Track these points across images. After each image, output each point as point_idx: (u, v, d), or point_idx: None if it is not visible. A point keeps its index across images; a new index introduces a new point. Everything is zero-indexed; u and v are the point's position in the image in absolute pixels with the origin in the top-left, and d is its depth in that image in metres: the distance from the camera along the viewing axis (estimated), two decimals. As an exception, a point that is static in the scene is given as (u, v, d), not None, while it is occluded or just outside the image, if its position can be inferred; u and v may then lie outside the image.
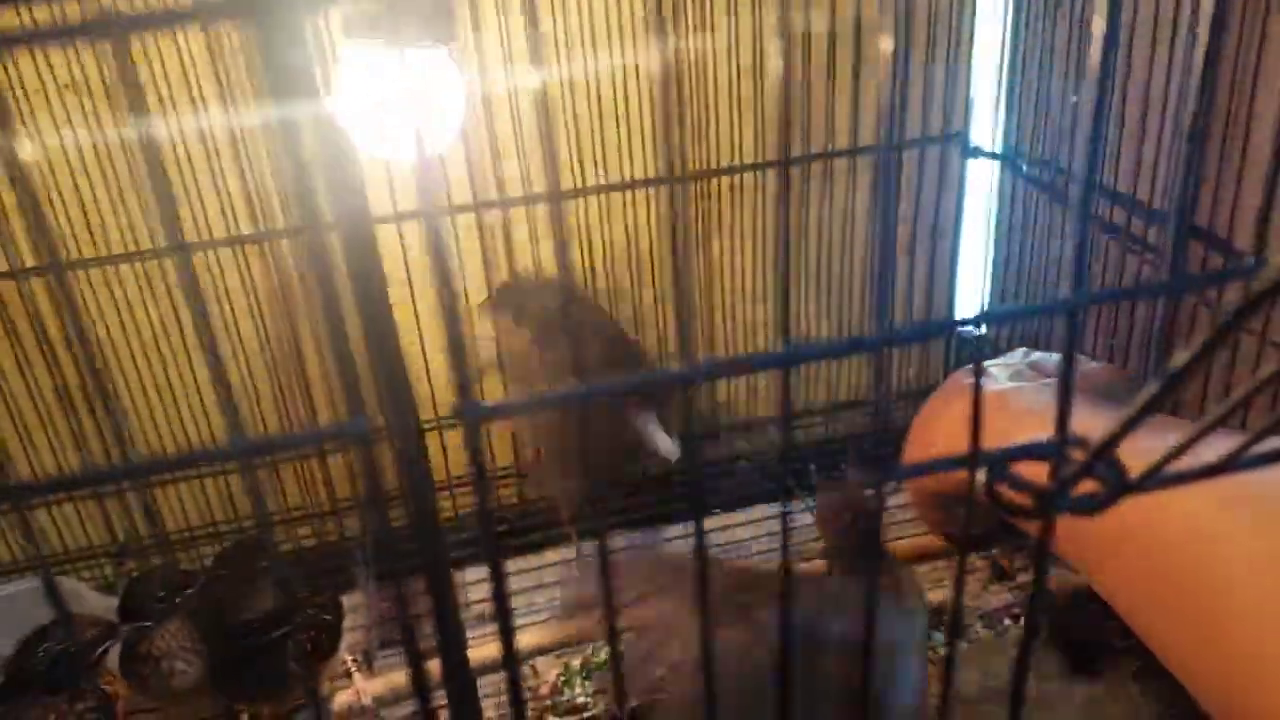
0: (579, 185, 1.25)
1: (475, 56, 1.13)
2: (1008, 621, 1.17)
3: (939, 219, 1.39)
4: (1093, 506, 0.30)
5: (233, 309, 1.23)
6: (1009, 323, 1.39)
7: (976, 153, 1.33)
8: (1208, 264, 0.99)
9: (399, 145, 0.91)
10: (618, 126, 1.23)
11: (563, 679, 1.10)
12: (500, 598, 0.34)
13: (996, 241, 1.36)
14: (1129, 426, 0.27)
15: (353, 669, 0.93)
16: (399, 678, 0.93)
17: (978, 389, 0.27)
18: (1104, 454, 0.28)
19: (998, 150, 1.32)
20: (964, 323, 0.28)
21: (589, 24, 1.17)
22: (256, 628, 0.80)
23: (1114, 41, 0.23)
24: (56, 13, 0.77)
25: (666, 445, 1.11)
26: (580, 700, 1.07)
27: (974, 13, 1.27)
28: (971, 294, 1.43)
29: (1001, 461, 0.29)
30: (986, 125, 1.32)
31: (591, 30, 1.17)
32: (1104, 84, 0.25)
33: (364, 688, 0.90)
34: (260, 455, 0.26)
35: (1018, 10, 1.23)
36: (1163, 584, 0.42)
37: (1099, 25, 0.24)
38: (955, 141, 1.35)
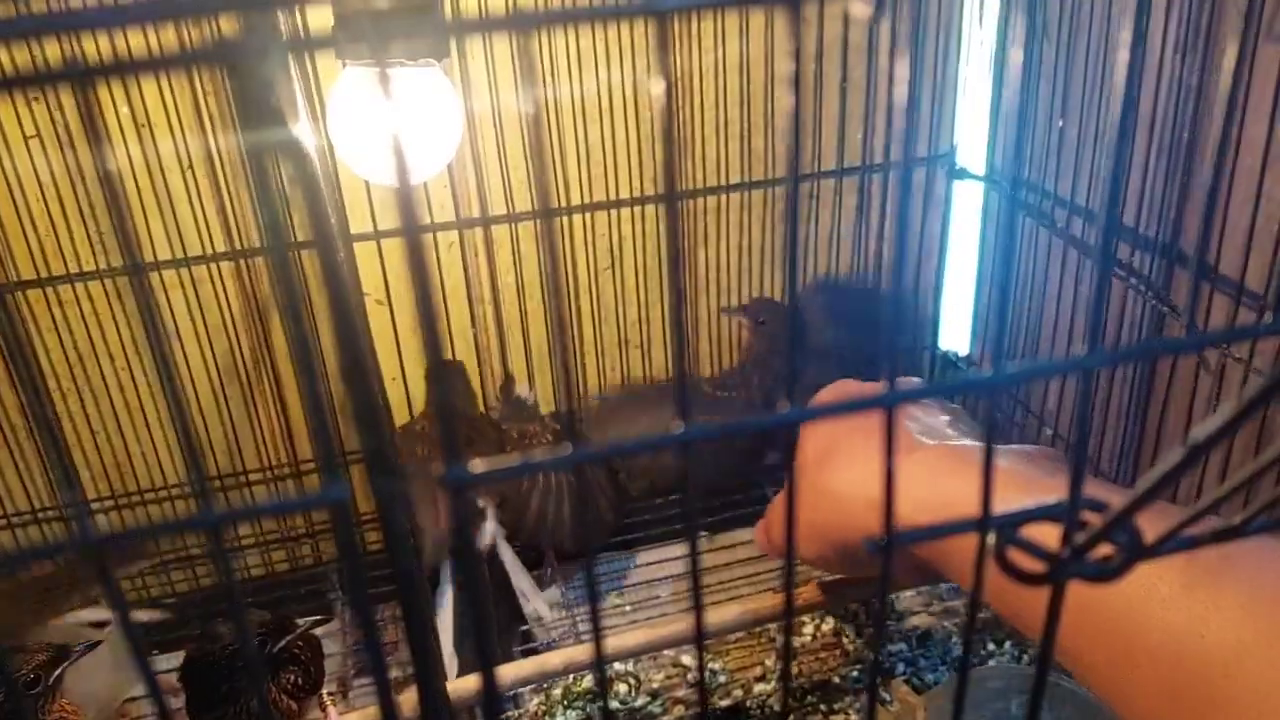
0: (565, 204, 1.23)
1: (460, 76, 1.11)
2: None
3: (925, 240, 1.39)
4: (1108, 573, 0.29)
5: (205, 328, 1.21)
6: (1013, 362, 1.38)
7: (962, 174, 1.33)
8: (1199, 292, 0.98)
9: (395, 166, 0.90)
10: (603, 147, 1.22)
11: (544, 709, 1.08)
12: (483, 636, 0.33)
13: (982, 262, 1.35)
14: (1153, 492, 0.26)
15: (328, 701, 0.91)
16: (374, 712, 0.91)
17: (989, 452, 0.25)
18: (1125, 519, 0.27)
19: (984, 173, 1.31)
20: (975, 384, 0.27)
21: (575, 47, 1.16)
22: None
23: (1131, 103, 0.22)
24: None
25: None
26: (561, 730, 1.05)
27: (960, 36, 1.26)
28: (959, 314, 1.42)
29: (1013, 524, 0.28)
30: (974, 148, 1.32)
31: (578, 52, 1.16)
32: (1121, 144, 0.24)
33: (338, 721, 0.88)
34: (229, 521, 0.24)
35: (1003, 34, 1.22)
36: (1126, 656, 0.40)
37: (1121, 71, 0.22)
38: (942, 163, 1.35)
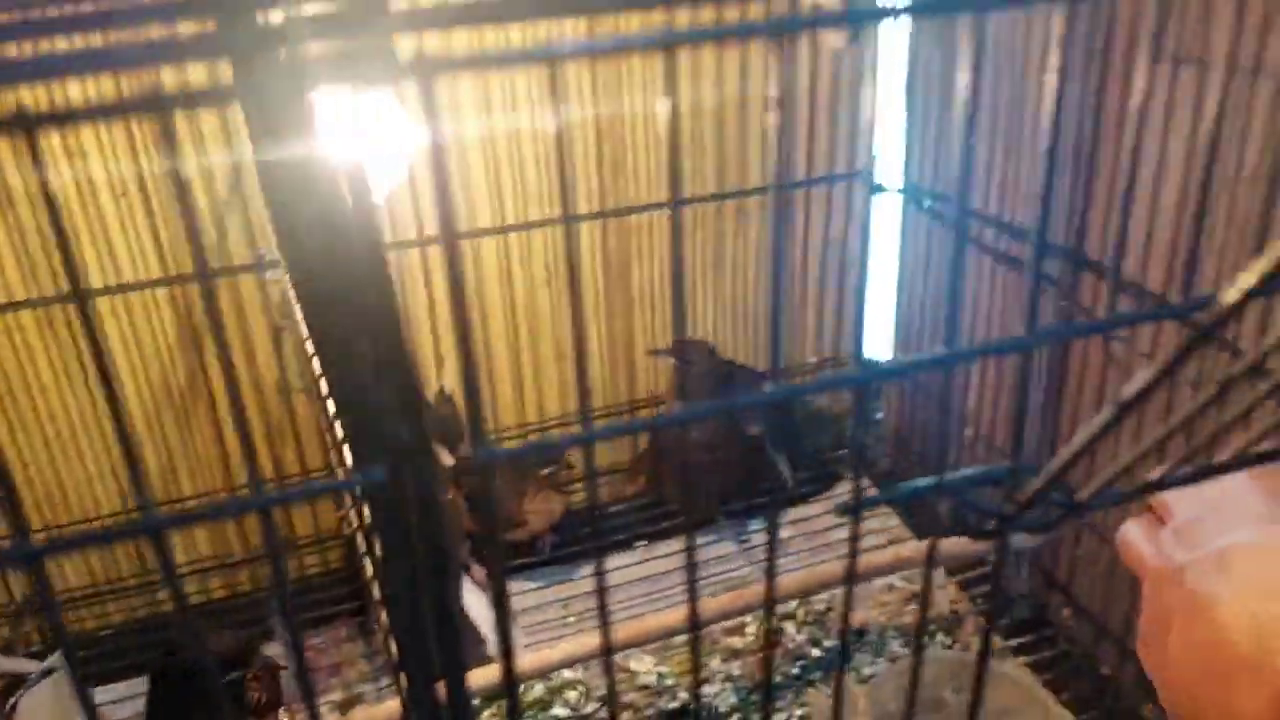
0: (502, 223, 1.26)
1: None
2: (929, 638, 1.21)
3: (847, 252, 1.44)
4: (1045, 524, 0.32)
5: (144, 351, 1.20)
6: (905, 369, 1.44)
7: (881, 189, 1.38)
8: (1098, 294, 1.05)
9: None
10: (537, 172, 1.25)
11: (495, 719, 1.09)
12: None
13: (900, 272, 1.41)
14: (1079, 454, 0.29)
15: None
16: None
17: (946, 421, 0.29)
18: (1056, 481, 0.30)
19: (901, 186, 1.37)
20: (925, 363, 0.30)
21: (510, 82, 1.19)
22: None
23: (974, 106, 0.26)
24: None
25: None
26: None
27: (876, 58, 1.32)
28: (882, 319, 1.48)
29: (964, 487, 0.31)
30: (892, 163, 1.38)
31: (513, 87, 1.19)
32: (967, 139, 0.27)
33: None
34: (171, 526, 0.26)
35: (914, 55, 1.29)
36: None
37: (964, 78, 0.26)
38: (861, 179, 1.40)
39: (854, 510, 0.31)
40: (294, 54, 0.24)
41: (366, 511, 0.57)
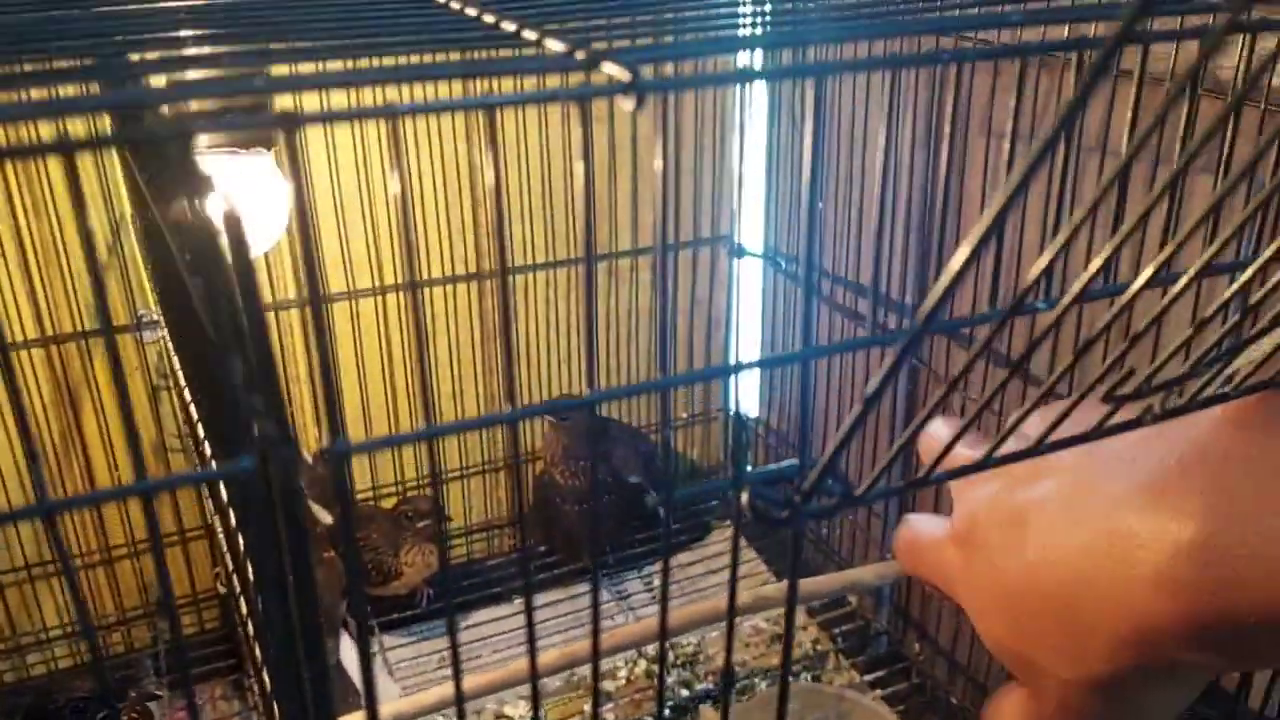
0: (380, 284, 1.30)
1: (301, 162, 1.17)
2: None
3: (714, 312, 1.53)
4: (827, 512, 0.39)
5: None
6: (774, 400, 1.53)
7: (743, 252, 1.47)
8: (943, 347, 1.15)
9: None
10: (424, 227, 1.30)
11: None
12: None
13: (763, 331, 1.50)
14: (841, 447, 0.36)
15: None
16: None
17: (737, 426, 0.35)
18: (828, 471, 0.37)
19: (760, 250, 1.46)
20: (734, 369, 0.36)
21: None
22: (81, 706, 0.79)
23: (817, 170, 0.32)
24: None
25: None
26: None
27: (740, 131, 1.42)
28: (748, 374, 1.56)
29: (757, 481, 0.37)
30: (753, 228, 1.47)
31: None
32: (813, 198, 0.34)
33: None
34: (64, 509, 0.30)
35: (772, 128, 1.39)
36: None
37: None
38: (724, 243, 1.49)
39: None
40: (176, 112, 0.29)
41: (235, 568, 0.60)
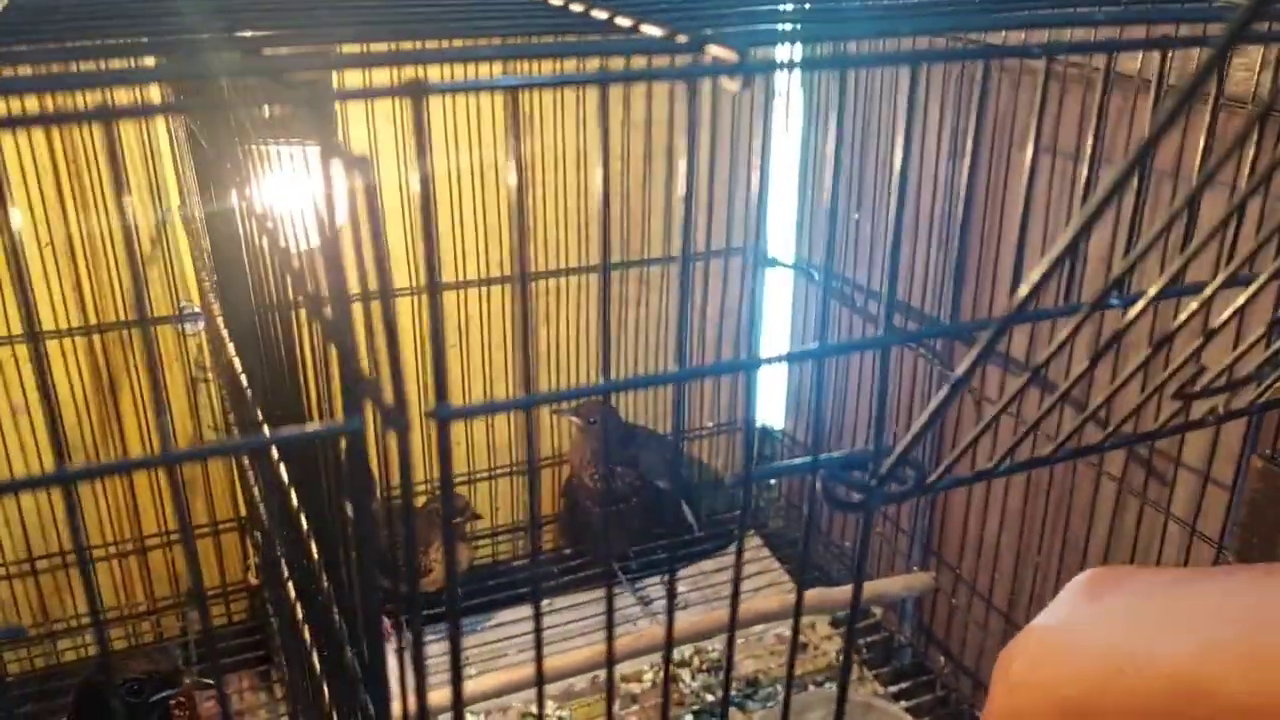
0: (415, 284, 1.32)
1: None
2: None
3: (741, 322, 1.54)
4: (901, 497, 0.40)
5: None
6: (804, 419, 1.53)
7: (773, 262, 1.49)
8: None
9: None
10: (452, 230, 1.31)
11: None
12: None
13: (793, 343, 1.51)
14: (920, 434, 0.37)
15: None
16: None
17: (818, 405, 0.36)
18: (905, 458, 0.38)
19: (792, 260, 1.47)
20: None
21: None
22: (138, 688, 0.80)
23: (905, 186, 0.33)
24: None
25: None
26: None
27: (768, 139, 1.43)
28: (774, 387, 1.57)
29: (833, 466, 0.38)
30: (784, 238, 1.48)
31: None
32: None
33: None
34: (82, 478, 0.31)
35: (807, 139, 1.40)
36: None
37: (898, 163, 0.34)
38: (754, 253, 1.50)
39: (745, 481, 0.37)
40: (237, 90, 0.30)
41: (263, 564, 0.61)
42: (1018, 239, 1.03)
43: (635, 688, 1.24)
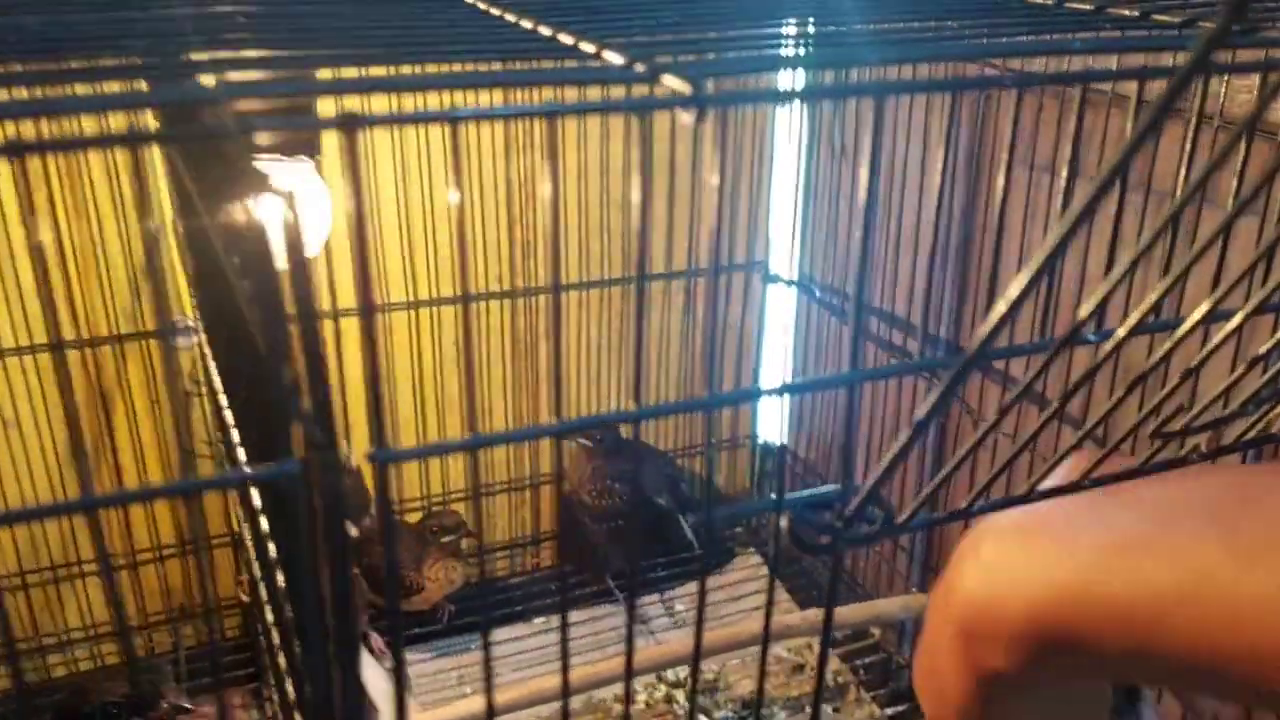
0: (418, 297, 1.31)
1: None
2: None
3: (743, 337, 1.52)
4: (868, 539, 0.38)
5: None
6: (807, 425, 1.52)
7: (775, 279, 1.47)
8: (977, 385, 1.14)
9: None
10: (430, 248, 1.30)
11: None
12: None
13: (796, 358, 1.49)
14: (885, 475, 0.36)
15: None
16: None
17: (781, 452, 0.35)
18: (870, 499, 0.36)
19: (795, 278, 1.46)
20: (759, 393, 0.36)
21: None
22: (115, 711, 0.79)
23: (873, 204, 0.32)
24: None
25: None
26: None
27: (773, 158, 1.42)
28: (774, 404, 1.56)
29: (799, 506, 0.37)
30: (785, 255, 1.47)
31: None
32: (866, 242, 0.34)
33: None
34: (114, 504, 0.30)
35: (810, 157, 1.39)
36: None
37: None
38: (757, 269, 1.49)
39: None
40: (233, 110, 0.29)
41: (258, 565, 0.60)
42: (1018, 257, 1.01)
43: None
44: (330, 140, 1.17)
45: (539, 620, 1.41)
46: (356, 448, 1.37)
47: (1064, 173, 0.42)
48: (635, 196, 0.32)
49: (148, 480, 1.26)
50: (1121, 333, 0.32)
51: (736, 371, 1.56)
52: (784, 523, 0.39)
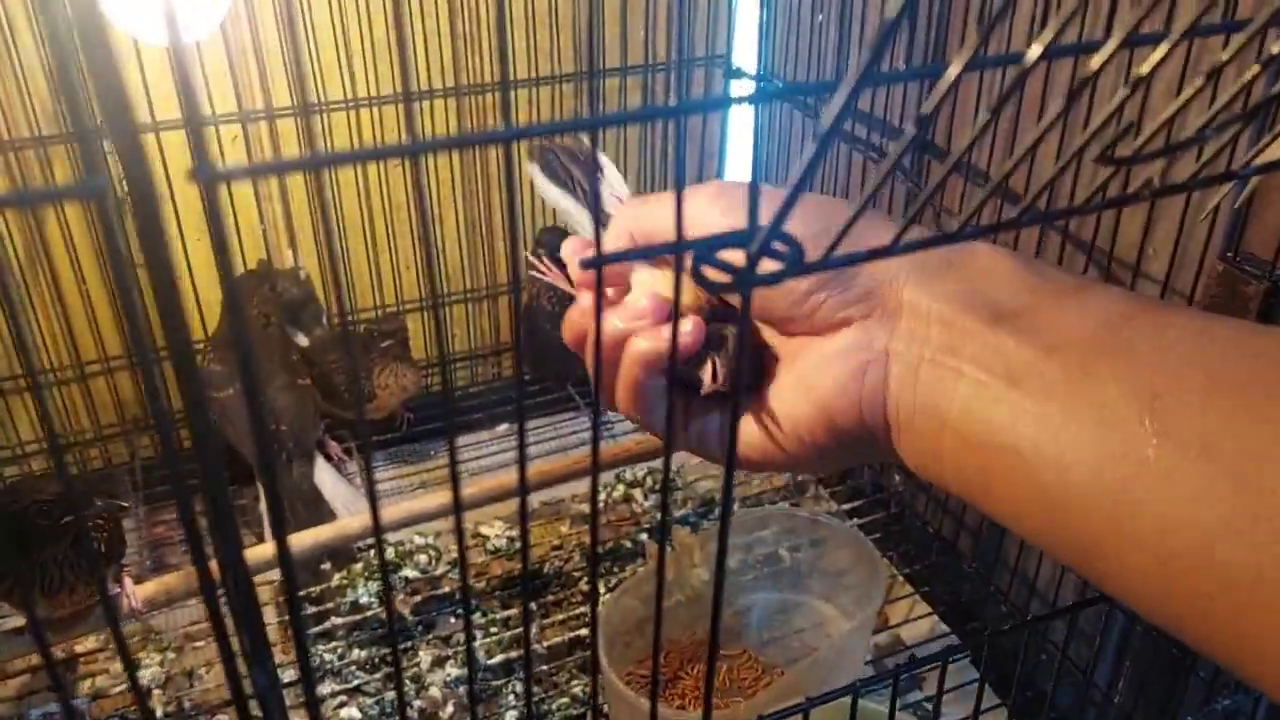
0: (340, 98, 1.24)
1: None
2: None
3: (706, 138, 1.47)
4: (777, 278, 0.35)
5: None
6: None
7: (739, 74, 1.40)
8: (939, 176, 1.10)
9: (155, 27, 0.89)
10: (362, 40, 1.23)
11: (345, 582, 1.11)
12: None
13: (756, 153, 1.44)
14: (791, 201, 0.32)
15: (124, 575, 0.92)
16: (172, 579, 0.93)
17: (679, 187, 0.31)
18: (779, 233, 0.33)
19: (757, 71, 1.39)
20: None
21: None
22: (47, 509, 0.78)
23: None
24: None
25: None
26: (364, 600, 1.09)
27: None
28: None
29: (705, 247, 0.34)
30: (748, 48, 1.39)
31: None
32: None
33: (133, 590, 0.89)
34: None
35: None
36: None
37: None
38: (719, 64, 1.42)
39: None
40: None
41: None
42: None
43: (585, 508, 1.24)
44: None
45: (502, 427, 1.41)
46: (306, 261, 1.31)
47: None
48: None
49: (86, 288, 1.22)
50: (1049, 33, 0.28)
51: (699, 175, 1.51)
52: (687, 263, 0.36)
